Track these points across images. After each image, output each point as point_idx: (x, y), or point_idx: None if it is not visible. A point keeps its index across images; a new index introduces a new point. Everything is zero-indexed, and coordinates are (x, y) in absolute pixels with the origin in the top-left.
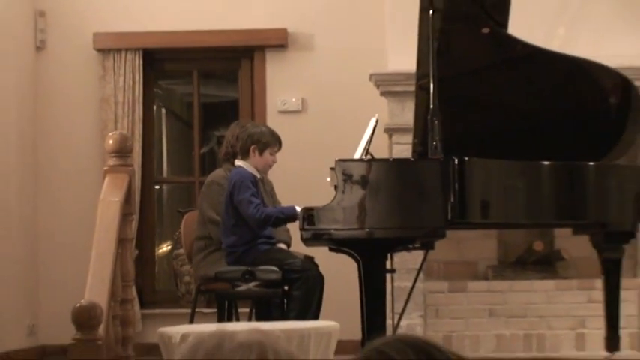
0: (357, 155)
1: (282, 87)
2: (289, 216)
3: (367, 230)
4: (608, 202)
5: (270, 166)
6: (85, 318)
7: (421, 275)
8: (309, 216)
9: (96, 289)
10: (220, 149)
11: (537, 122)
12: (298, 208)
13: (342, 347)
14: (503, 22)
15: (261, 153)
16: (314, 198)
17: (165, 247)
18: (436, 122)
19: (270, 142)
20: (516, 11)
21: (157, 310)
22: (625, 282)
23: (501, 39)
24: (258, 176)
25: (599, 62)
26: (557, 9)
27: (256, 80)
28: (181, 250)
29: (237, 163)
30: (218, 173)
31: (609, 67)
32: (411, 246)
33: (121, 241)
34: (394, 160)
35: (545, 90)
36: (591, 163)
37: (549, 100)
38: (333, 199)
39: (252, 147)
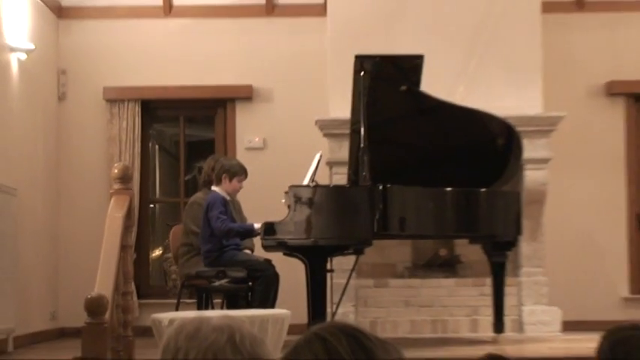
0: (305, 182)
1: (248, 129)
2: (247, 230)
3: (312, 239)
4: (496, 219)
5: (238, 191)
6: (94, 306)
7: (353, 274)
8: (268, 228)
9: (103, 284)
10: (200, 177)
11: (443, 157)
12: (256, 225)
13: (292, 329)
14: (417, 81)
15: (230, 180)
16: (272, 214)
17: (157, 252)
18: (365, 158)
19: (238, 171)
20: (427, 73)
21: (151, 301)
22: (508, 280)
23: (416, 94)
24: (229, 198)
25: (489, 112)
26: (458, 71)
27: (228, 124)
28: (169, 255)
29: (213, 187)
30: (198, 195)
31: (497, 116)
32: (346, 252)
33: (123, 247)
34: (333, 186)
35: (449, 133)
36: (483, 189)
37: (452, 141)
38: (287, 216)
39: (224, 175)
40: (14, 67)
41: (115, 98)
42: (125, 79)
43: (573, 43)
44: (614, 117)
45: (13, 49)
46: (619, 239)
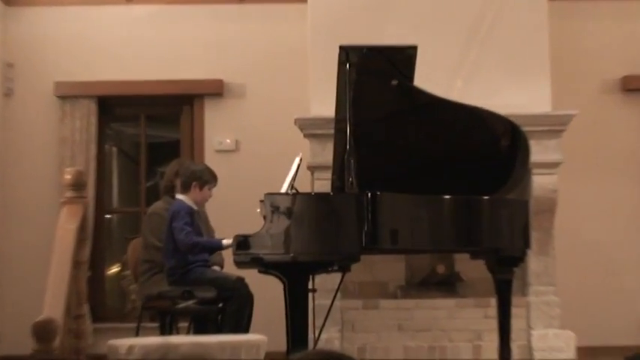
0: (284, 189)
1: (218, 129)
2: (215, 247)
3: (292, 255)
4: (501, 231)
5: (207, 200)
6: (43, 331)
7: (339, 294)
8: (241, 242)
9: (53, 306)
10: (160, 183)
11: (439, 161)
12: (225, 241)
13: (269, 358)
14: (410, 75)
15: (201, 188)
16: (246, 226)
17: (114, 269)
18: (352, 161)
19: (210, 179)
20: (421, 66)
21: (107, 325)
22: (515, 300)
23: (408, 90)
24: (196, 208)
25: (491, 110)
26: (456, 64)
27: (196, 123)
28: (128, 272)
29: (178, 196)
30: (158, 205)
31: (500, 114)
32: (330, 269)
33: (76, 263)
34: (315, 193)
35: (445, 133)
36: (486, 197)
37: (449, 142)
38: (262, 228)
39: (194, 183)
40: None
41: (68, 94)
42: (79, 73)
43: (586, 33)
44: (630, 115)
45: None
46: (639, 253)
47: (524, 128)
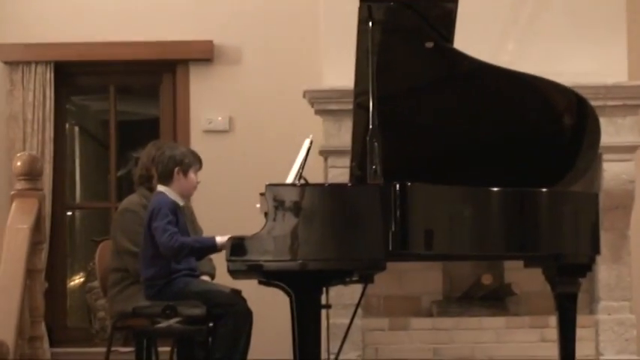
0: (290, 179)
1: (207, 104)
2: (208, 247)
3: (300, 262)
4: (563, 233)
5: (195, 188)
6: None
7: (359, 311)
8: (236, 246)
9: (2, 326)
10: (134, 172)
11: (485, 144)
12: (219, 239)
13: None
14: (449, 36)
15: (185, 174)
16: (242, 226)
17: (77, 280)
18: (376, 144)
19: (193, 161)
20: (463, 24)
21: (69, 349)
22: (581, 319)
23: (446, 54)
24: (181, 203)
25: (551, 80)
26: (507, 22)
27: (179, 96)
28: (96, 283)
29: (159, 188)
30: (132, 199)
31: (563, 85)
32: (348, 279)
33: (30, 273)
34: (330, 185)
35: (493, 109)
36: (544, 190)
37: (498, 121)
38: (263, 228)
39: (177, 169)
40: None
41: (18, 60)
42: (32, 34)
43: None
44: None
45: None
46: None
47: (593, 102)
